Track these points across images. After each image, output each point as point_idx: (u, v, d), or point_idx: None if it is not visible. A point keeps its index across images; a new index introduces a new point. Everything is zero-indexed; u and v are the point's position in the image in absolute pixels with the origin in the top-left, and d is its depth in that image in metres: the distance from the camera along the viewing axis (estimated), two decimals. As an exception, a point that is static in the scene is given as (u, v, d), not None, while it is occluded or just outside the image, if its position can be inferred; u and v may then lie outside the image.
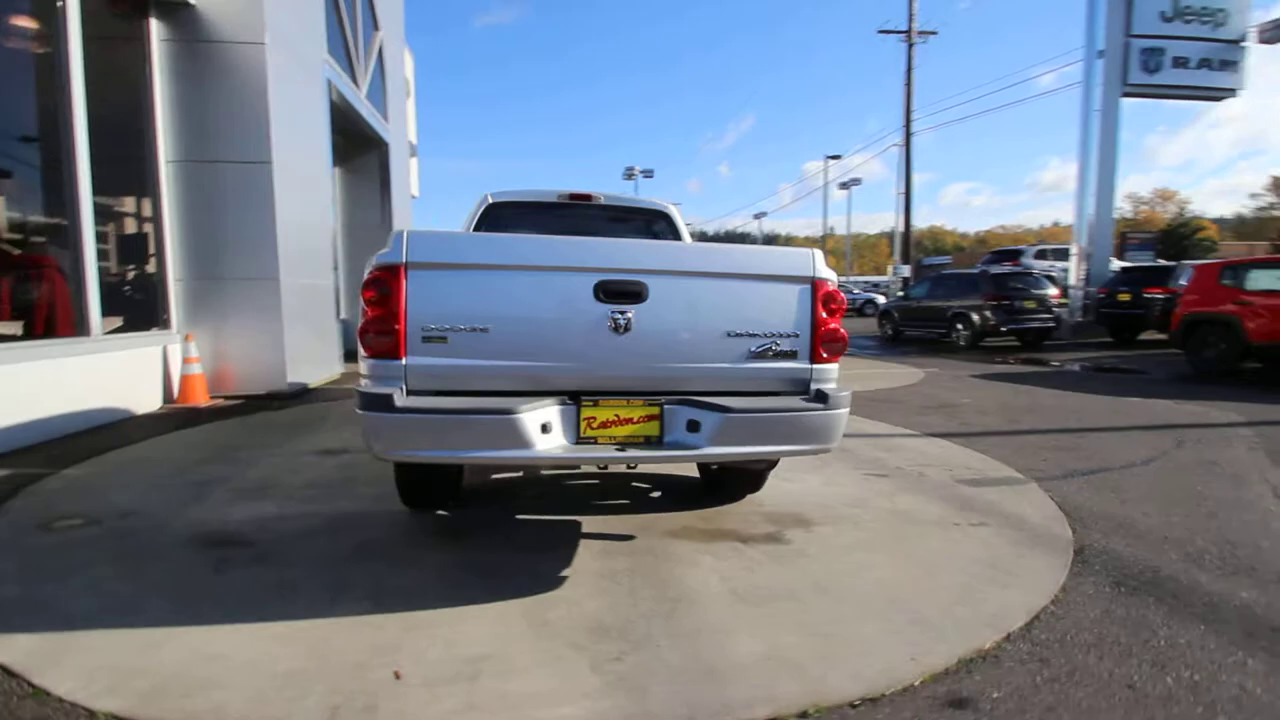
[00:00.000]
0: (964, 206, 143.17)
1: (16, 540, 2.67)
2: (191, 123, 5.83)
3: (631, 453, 2.13)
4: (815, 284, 2.31)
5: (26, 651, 1.82)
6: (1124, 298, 12.10)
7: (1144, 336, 12.00)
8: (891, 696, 1.64)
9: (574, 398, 2.13)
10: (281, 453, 4.08)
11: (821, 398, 2.25)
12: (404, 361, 2.06)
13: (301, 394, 6.40)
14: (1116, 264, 13.97)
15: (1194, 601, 2.16)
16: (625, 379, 2.21)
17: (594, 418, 2.13)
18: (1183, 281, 10.09)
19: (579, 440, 2.12)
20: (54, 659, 1.78)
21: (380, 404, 1.98)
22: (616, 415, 2.14)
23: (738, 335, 2.25)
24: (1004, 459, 4.01)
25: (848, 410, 2.30)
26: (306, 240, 6.80)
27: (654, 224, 3.90)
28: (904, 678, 1.71)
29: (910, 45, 23.79)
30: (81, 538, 2.68)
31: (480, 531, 2.80)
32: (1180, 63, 13.32)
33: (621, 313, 2.14)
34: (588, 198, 3.80)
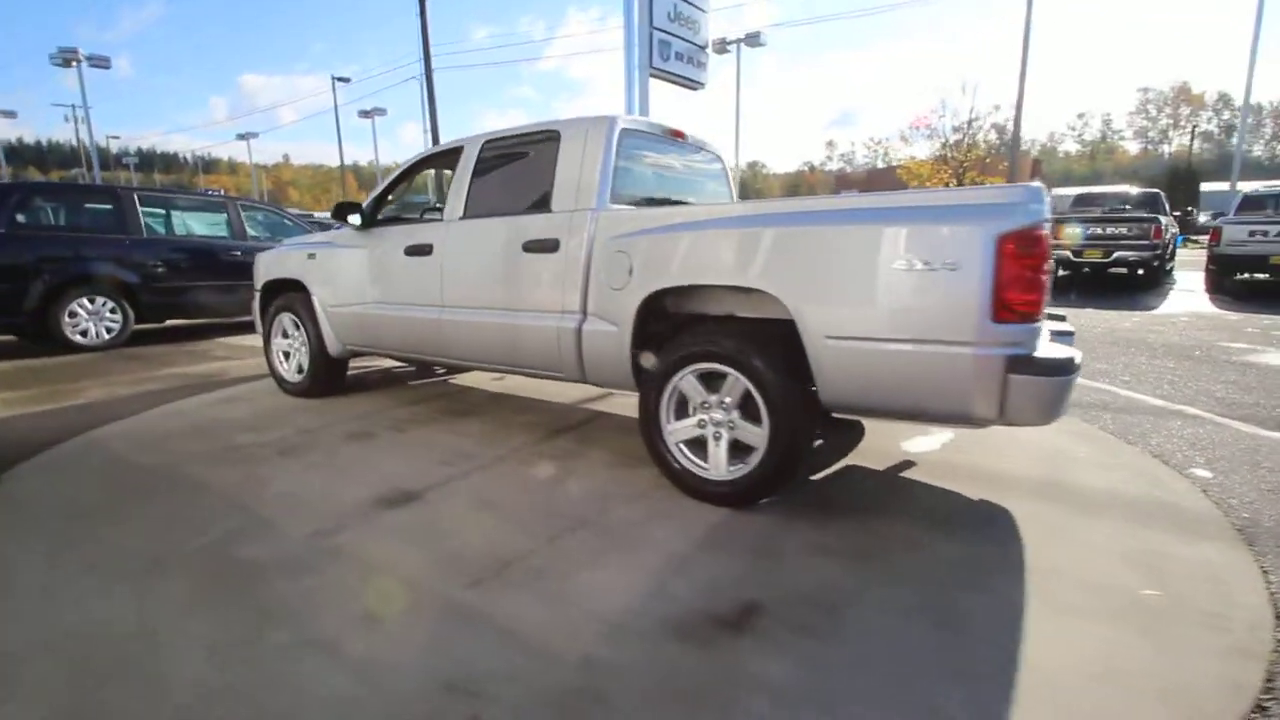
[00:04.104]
0: (421, 145, 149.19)
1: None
2: None
3: None
4: None
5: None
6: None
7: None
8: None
9: None
10: (335, 520, 2.36)
11: None
12: (1039, 324, 2.00)
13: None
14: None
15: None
16: None
17: None
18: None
19: None
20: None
21: (1065, 368, 1.93)
22: None
23: None
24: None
25: None
26: None
27: (718, 161, 3.82)
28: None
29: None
30: None
31: (840, 493, 2.64)
32: (679, 56, 17.73)
33: None
34: (682, 135, 3.46)
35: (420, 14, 23.52)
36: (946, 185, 31.55)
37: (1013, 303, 1.92)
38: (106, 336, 6.25)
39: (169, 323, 7.07)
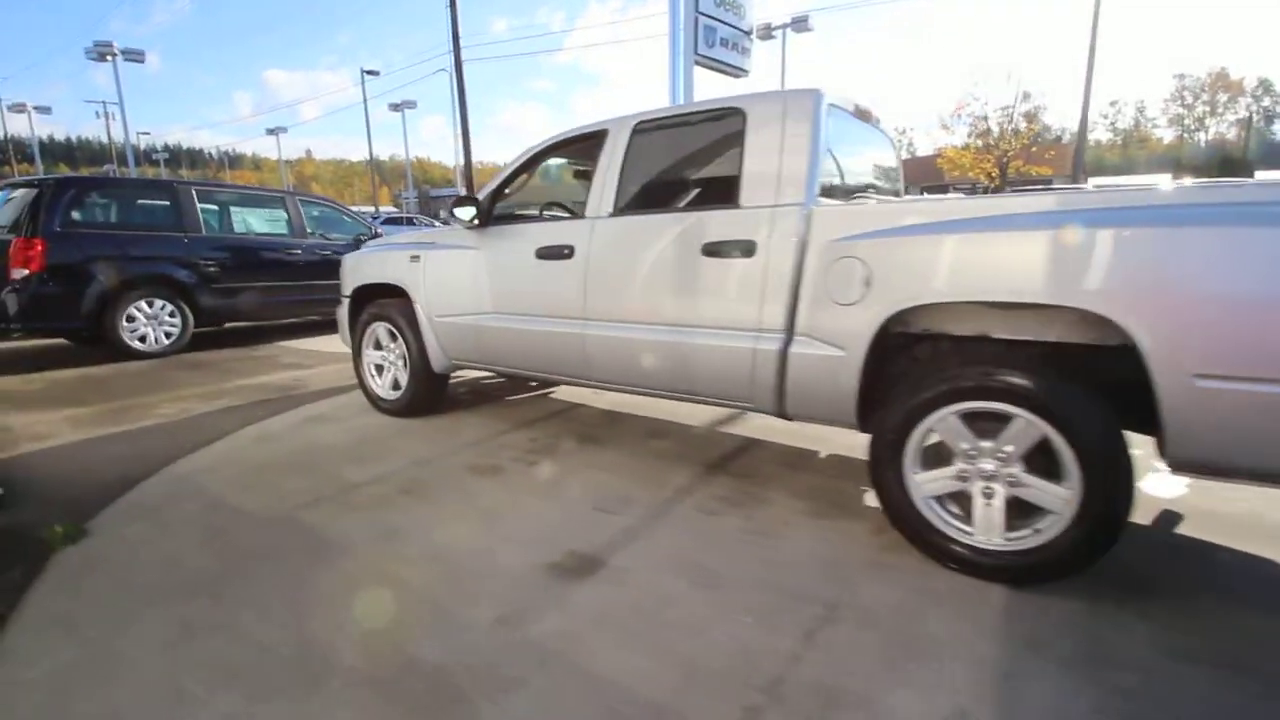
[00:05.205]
0: (442, 139, 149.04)
1: None
2: None
3: None
4: None
5: None
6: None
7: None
8: None
9: None
10: (514, 598, 1.86)
11: None
12: None
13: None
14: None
15: None
16: None
17: None
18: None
19: None
20: None
21: None
22: None
23: None
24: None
25: None
26: None
27: (891, 146, 3.30)
28: None
29: (456, -32, 22.96)
30: None
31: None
32: (724, 42, 17.00)
33: None
34: (871, 114, 2.92)
35: (450, 6, 23.08)
36: (990, 175, 30.46)
37: None
38: (166, 342, 5.83)
39: (227, 326, 6.66)
